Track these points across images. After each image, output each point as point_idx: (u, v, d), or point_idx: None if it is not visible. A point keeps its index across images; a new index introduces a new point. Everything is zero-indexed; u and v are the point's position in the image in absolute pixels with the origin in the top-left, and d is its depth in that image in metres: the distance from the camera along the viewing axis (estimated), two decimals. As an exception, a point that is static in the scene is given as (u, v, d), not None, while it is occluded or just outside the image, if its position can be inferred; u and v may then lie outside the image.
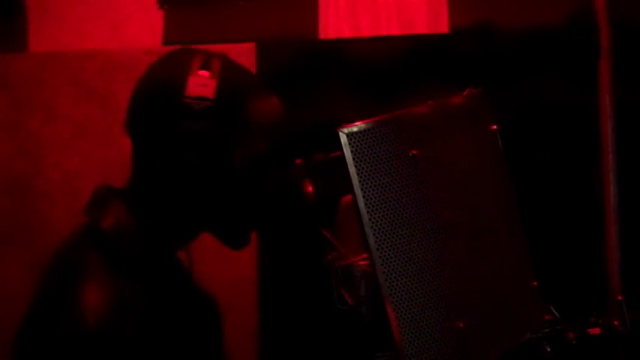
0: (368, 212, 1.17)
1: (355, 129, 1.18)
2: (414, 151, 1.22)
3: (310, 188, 1.31)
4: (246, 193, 1.30)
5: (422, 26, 2.27)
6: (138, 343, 1.20)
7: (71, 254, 1.27)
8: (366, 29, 2.31)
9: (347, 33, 2.31)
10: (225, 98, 1.25)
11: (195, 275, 1.39)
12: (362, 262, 1.22)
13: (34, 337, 1.21)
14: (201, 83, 1.24)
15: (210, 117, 1.24)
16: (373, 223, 1.17)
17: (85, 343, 1.17)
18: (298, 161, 1.33)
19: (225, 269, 2.24)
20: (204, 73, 1.25)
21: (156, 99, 1.27)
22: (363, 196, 1.17)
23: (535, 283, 1.35)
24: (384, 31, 2.29)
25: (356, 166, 1.17)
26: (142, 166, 1.31)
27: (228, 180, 1.28)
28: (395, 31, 2.29)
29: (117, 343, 1.18)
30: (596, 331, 1.41)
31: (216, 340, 1.40)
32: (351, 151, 1.17)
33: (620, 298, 1.45)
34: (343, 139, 1.17)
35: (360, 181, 1.17)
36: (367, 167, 1.17)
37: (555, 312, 1.36)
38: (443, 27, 2.25)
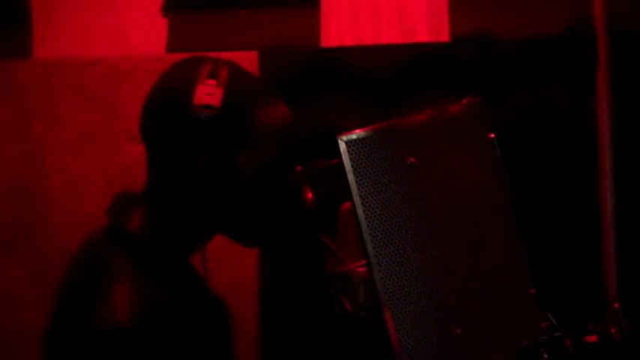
0: (366, 219, 1.18)
1: (354, 136, 1.19)
2: (412, 159, 1.23)
3: (310, 195, 1.33)
4: (252, 199, 1.33)
5: (423, 35, 2.28)
6: (166, 341, 1.23)
7: (97, 255, 1.30)
8: (368, 37, 2.32)
9: (349, 41, 2.32)
10: (232, 106, 1.29)
11: (207, 279, 1.42)
12: (360, 269, 1.23)
13: (67, 338, 1.23)
14: (208, 92, 1.28)
15: (216, 125, 1.28)
16: (371, 229, 1.18)
17: (122, 341, 1.19)
18: (298, 168, 1.34)
19: (226, 276, 2.25)
20: (211, 82, 1.29)
21: (166, 108, 1.31)
22: (362, 203, 1.18)
23: (532, 291, 1.36)
24: (385, 40, 2.30)
25: (355, 174, 1.18)
26: (155, 172, 1.35)
27: (234, 186, 1.31)
28: (396, 39, 2.30)
29: (150, 341, 1.21)
30: (593, 338, 1.41)
31: (224, 345, 1.41)
32: (350, 159, 1.18)
33: (617, 305, 1.45)
34: (342, 146, 1.18)
35: (358, 188, 1.18)
36: (366, 174, 1.19)
37: (553, 319, 1.36)
38: (444, 36, 2.26)
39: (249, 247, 1.43)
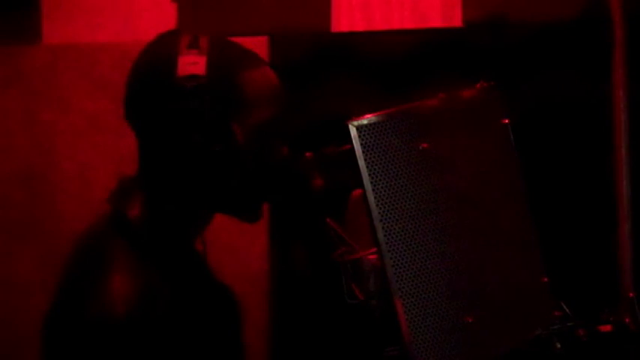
0: (377, 206, 1.16)
1: (365, 122, 1.17)
2: (425, 145, 1.21)
3: (320, 181, 1.31)
4: (252, 164, 1.30)
5: (435, 20, 2.26)
6: (166, 330, 1.21)
7: (97, 242, 1.28)
8: (379, 22, 2.30)
9: (360, 26, 2.30)
10: (217, 73, 1.25)
11: (210, 265, 1.40)
12: (371, 257, 1.22)
13: (62, 325, 1.21)
14: (190, 62, 1.24)
15: (204, 93, 1.24)
16: (382, 216, 1.16)
17: (116, 330, 1.17)
18: (308, 154, 1.32)
19: (237, 263, 2.24)
20: (192, 51, 1.25)
21: (149, 84, 1.27)
22: (373, 190, 1.16)
23: (545, 279, 1.34)
24: (397, 25, 2.28)
25: (365, 159, 1.16)
26: (146, 153, 1.32)
27: (232, 153, 1.28)
28: (408, 24, 2.28)
29: (147, 330, 1.19)
30: (606, 328, 1.40)
31: (233, 329, 1.40)
32: (361, 144, 1.16)
33: (631, 295, 1.44)
34: (353, 131, 1.16)
35: (369, 175, 1.16)
36: (377, 160, 1.17)
37: (566, 308, 1.35)
38: (456, 21, 2.24)
39: (250, 222, 1.39)
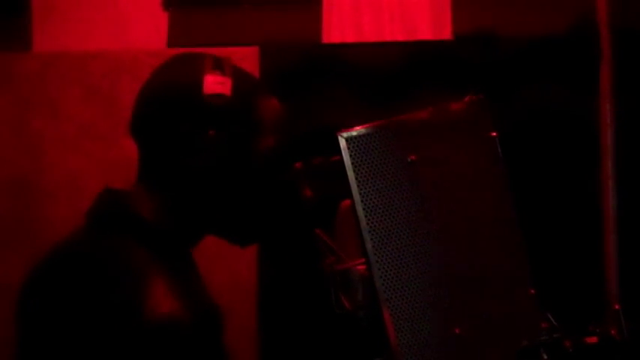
0: (366, 217, 1.17)
1: (354, 133, 1.18)
2: (413, 157, 1.22)
3: (309, 192, 1.32)
4: (260, 189, 1.32)
5: (425, 32, 2.27)
6: (205, 329, 1.25)
7: (115, 252, 1.25)
8: (370, 34, 2.31)
9: (350, 38, 2.32)
10: (240, 95, 1.28)
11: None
12: (360, 267, 1.22)
13: (115, 340, 1.16)
14: (217, 81, 1.27)
15: (230, 113, 1.27)
16: (371, 227, 1.17)
17: (172, 330, 1.18)
18: (298, 165, 1.33)
19: (226, 271, 2.25)
20: (217, 72, 1.28)
21: (173, 100, 1.28)
22: (362, 201, 1.17)
23: (533, 291, 1.35)
24: (387, 37, 2.30)
25: (355, 171, 1.17)
26: (156, 166, 1.31)
27: (245, 175, 1.31)
28: (398, 36, 2.29)
29: (201, 337, 1.22)
30: (593, 339, 1.40)
31: (219, 341, 1.41)
32: (350, 156, 1.17)
33: (617, 306, 1.45)
34: (342, 143, 1.17)
35: (358, 186, 1.17)
36: (366, 172, 1.18)
37: (553, 320, 1.35)
38: (446, 33, 2.26)
39: (244, 245, 1.40)
